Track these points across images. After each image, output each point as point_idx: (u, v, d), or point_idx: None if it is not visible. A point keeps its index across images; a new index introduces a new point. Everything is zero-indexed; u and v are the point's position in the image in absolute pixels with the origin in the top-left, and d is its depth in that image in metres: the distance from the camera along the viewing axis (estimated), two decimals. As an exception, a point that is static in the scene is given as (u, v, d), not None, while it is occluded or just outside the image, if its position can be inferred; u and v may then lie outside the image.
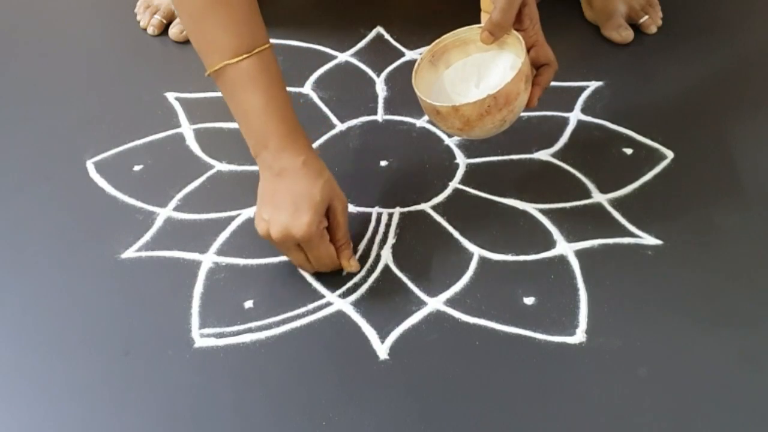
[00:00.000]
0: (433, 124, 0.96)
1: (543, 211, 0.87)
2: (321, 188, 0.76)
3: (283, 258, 0.82)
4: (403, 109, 1.01)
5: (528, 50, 0.80)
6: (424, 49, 0.85)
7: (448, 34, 0.85)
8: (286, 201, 0.75)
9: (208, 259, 0.83)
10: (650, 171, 0.91)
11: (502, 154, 0.94)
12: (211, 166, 0.94)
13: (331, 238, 0.78)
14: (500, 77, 0.77)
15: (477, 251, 0.83)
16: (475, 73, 0.84)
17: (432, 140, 0.97)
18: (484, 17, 0.81)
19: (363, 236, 0.85)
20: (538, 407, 0.69)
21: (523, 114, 0.99)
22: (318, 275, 0.80)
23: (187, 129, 1.00)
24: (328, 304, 0.78)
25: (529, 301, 0.77)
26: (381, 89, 1.04)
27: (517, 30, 0.80)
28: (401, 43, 1.12)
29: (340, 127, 0.99)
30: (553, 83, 1.03)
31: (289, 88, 1.04)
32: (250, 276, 0.81)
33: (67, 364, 0.73)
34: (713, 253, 0.81)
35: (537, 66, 0.82)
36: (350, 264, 0.79)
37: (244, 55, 0.74)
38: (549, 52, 0.82)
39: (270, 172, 0.77)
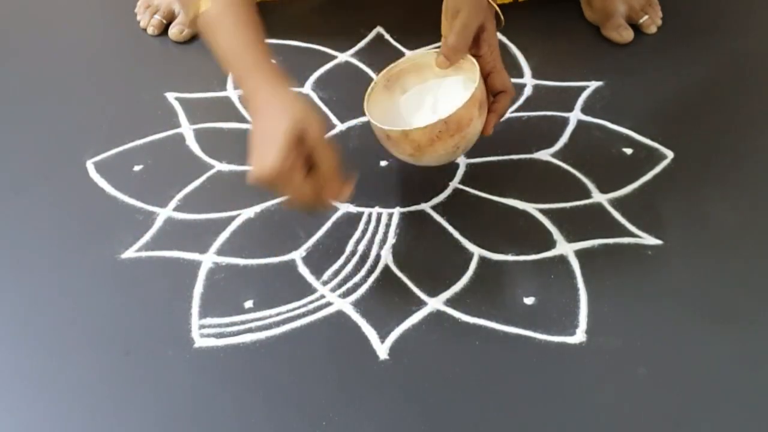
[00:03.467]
0: None
1: (543, 211, 0.87)
2: (286, 123, 0.69)
3: (283, 258, 0.82)
4: (403, 109, 1.01)
5: (486, 77, 0.80)
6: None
7: (403, 58, 0.85)
8: (255, 143, 0.72)
9: (208, 259, 0.83)
10: (650, 171, 0.91)
11: (502, 154, 0.94)
12: (211, 166, 0.94)
13: (318, 171, 0.72)
14: (456, 104, 0.76)
15: (477, 251, 0.83)
16: (432, 100, 0.84)
17: (432, 140, 0.97)
18: (443, 42, 0.81)
19: (363, 236, 0.85)
20: (538, 407, 0.69)
21: (523, 114, 0.99)
22: (317, 273, 0.80)
23: (187, 129, 1.00)
24: (328, 304, 0.78)
25: (529, 301, 0.77)
26: (381, 89, 1.04)
27: (475, 56, 0.80)
28: (401, 43, 1.12)
29: (340, 127, 0.99)
30: (553, 83, 1.04)
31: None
32: (250, 276, 0.81)
33: (67, 364, 0.73)
34: (713, 253, 0.81)
35: (494, 93, 0.82)
36: (341, 193, 0.74)
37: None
38: (506, 78, 0.82)
39: (250, 113, 0.76)
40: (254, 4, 0.77)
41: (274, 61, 0.76)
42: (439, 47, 0.82)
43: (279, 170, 0.69)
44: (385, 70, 0.85)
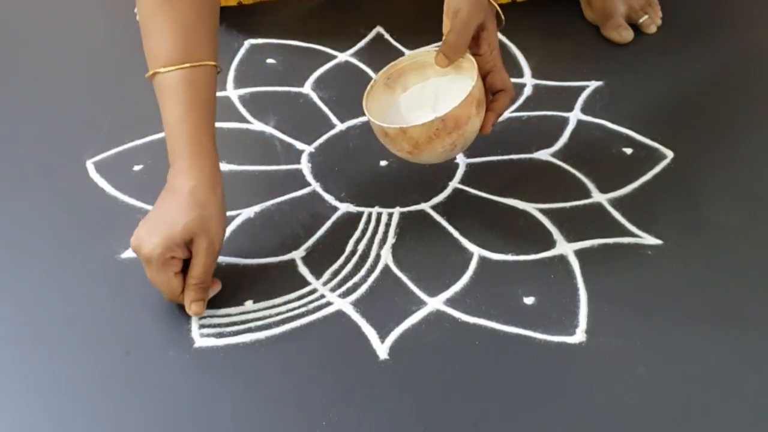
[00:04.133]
0: None
1: (543, 211, 0.87)
2: (189, 220, 0.72)
3: (283, 258, 0.82)
4: (403, 109, 1.01)
5: (485, 76, 0.80)
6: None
7: (404, 57, 0.85)
8: (153, 219, 0.74)
9: (208, 259, 0.83)
10: (650, 171, 0.91)
11: (502, 154, 0.94)
12: (211, 166, 0.94)
13: (188, 273, 0.74)
14: (455, 102, 0.77)
15: (477, 251, 0.83)
16: (432, 98, 0.84)
17: (432, 140, 0.97)
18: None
19: (363, 236, 0.85)
20: (538, 407, 0.69)
21: (523, 114, 0.99)
22: (317, 272, 0.80)
23: (187, 129, 0.99)
24: (328, 304, 0.78)
25: (529, 301, 0.77)
26: (381, 89, 1.04)
27: (474, 55, 0.80)
28: (401, 43, 1.12)
29: (340, 127, 0.99)
30: (553, 83, 1.04)
31: (289, 88, 1.06)
32: (250, 276, 0.81)
33: (67, 364, 0.73)
34: (713, 253, 0.81)
35: (493, 92, 0.82)
36: (191, 307, 0.75)
37: (173, 67, 0.74)
38: (506, 78, 0.82)
39: (166, 187, 0.76)
40: (214, 83, 0.77)
41: (214, 154, 0.76)
42: (439, 46, 0.82)
43: (157, 257, 0.72)
44: (385, 69, 0.85)
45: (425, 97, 0.85)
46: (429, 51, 0.84)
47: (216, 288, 0.78)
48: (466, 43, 0.79)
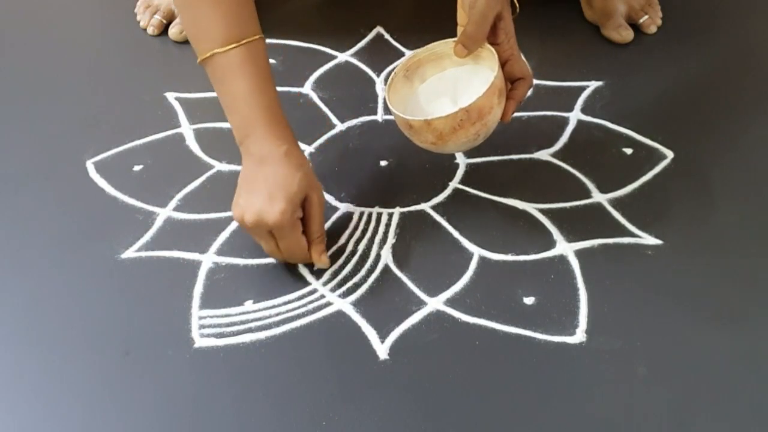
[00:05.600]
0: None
1: (543, 211, 0.87)
2: (299, 179, 0.76)
3: (283, 258, 0.82)
4: (403, 109, 1.01)
5: (503, 64, 0.80)
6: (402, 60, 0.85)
7: (422, 48, 0.86)
8: (262, 188, 0.76)
9: (208, 259, 0.83)
10: (650, 171, 0.91)
11: (502, 154, 0.94)
12: (211, 166, 0.94)
13: (306, 230, 0.79)
14: (475, 92, 0.77)
15: (477, 251, 0.83)
16: (451, 88, 0.84)
17: (432, 140, 0.97)
18: (460, 31, 0.81)
19: (363, 236, 0.85)
20: (538, 407, 0.69)
21: (523, 114, 0.99)
22: (317, 272, 0.80)
23: (187, 129, 1.00)
24: (328, 304, 0.78)
25: (529, 301, 0.77)
26: (381, 89, 1.04)
27: (492, 44, 0.80)
28: (401, 43, 1.12)
29: (340, 127, 0.99)
30: (553, 83, 1.04)
31: (289, 88, 1.06)
32: (250, 276, 0.81)
33: (67, 364, 0.73)
34: (713, 253, 0.81)
35: (512, 80, 0.82)
36: (321, 259, 0.80)
37: (233, 45, 0.76)
38: (524, 66, 0.83)
39: (251, 159, 0.78)
40: (267, 54, 0.79)
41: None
42: (455, 38, 0.82)
43: (288, 221, 0.75)
44: (403, 61, 0.85)
45: (444, 87, 0.85)
46: (446, 42, 0.84)
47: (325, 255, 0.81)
48: (485, 33, 0.79)
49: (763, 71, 1.07)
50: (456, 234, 0.85)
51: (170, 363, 0.73)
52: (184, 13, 0.80)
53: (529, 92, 1.02)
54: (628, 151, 0.94)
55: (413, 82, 0.86)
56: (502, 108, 0.80)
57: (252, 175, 0.78)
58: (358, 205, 0.88)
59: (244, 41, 0.76)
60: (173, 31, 1.15)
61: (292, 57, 1.11)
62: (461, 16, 0.81)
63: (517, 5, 0.83)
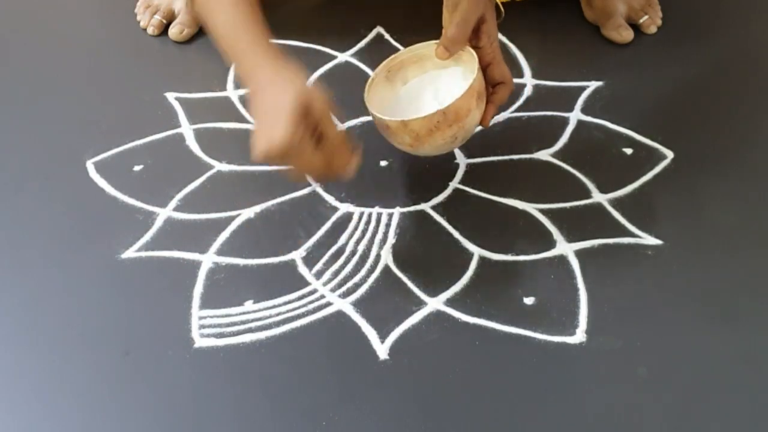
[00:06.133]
0: None
1: (543, 211, 0.87)
2: (292, 96, 0.71)
3: (283, 258, 0.82)
4: (403, 109, 1.01)
5: (485, 68, 0.80)
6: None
7: (404, 50, 0.86)
8: (262, 117, 0.74)
9: (208, 259, 0.83)
10: (650, 171, 0.91)
11: (502, 154, 0.94)
12: (211, 166, 0.94)
13: (323, 141, 0.74)
14: (455, 95, 0.77)
15: (477, 251, 0.83)
16: (432, 90, 0.84)
17: (432, 140, 0.97)
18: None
19: (363, 236, 0.85)
20: (538, 407, 0.69)
21: (523, 114, 0.99)
22: (317, 273, 0.80)
23: (187, 129, 1.00)
24: (328, 304, 0.78)
25: (529, 301, 0.77)
26: (380, 89, 1.04)
27: (474, 47, 0.80)
28: (401, 43, 1.12)
29: (340, 127, 0.99)
30: (553, 83, 1.04)
31: (289, 88, 1.05)
32: (250, 276, 0.81)
33: (67, 364, 0.73)
34: (713, 253, 0.81)
35: (493, 84, 0.82)
36: (347, 168, 0.76)
37: None
38: (505, 70, 0.82)
39: (250, 90, 0.76)
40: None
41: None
42: (439, 39, 0.82)
43: (290, 142, 0.70)
44: (385, 62, 0.85)
45: (425, 89, 0.85)
46: (428, 44, 0.84)
47: (359, 150, 0.78)
48: (467, 35, 0.79)
49: (763, 71, 1.07)
50: (456, 234, 0.85)
51: (170, 363, 0.73)
52: None
53: (529, 92, 1.03)
54: (628, 151, 0.94)
55: (395, 84, 0.86)
56: (482, 111, 0.80)
57: (254, 105, 0.75)
58: (358, 205, 0.88)
59: None
60: (173, 31, 1.15)
61: (292, 57, 1.11)
62: (446, 18, 0.81)
63: (502, 10, 0.83)
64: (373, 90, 0.83)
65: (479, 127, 0.83)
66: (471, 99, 0.77)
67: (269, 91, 0.73)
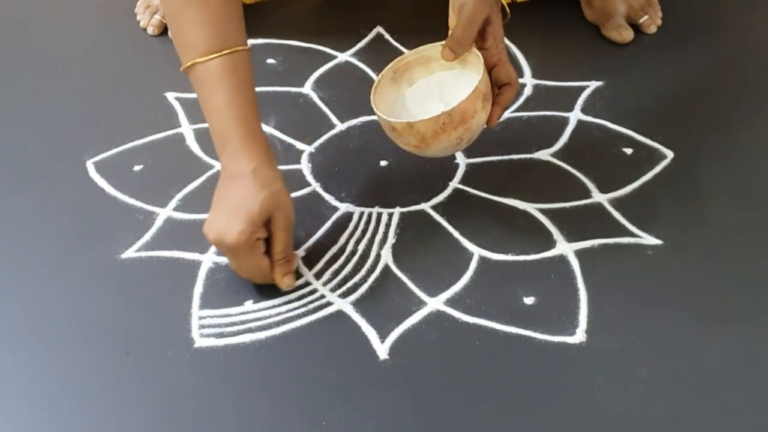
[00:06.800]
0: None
1: (543, 211, 0.87)
2: (263, 199, 0.73)
3: (283, 258, 0.82)
4: (403, 109, 1.01)
5: (490, 69, 0.80)
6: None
7: (410, 51, 0.86)
8: (226, 206, 0.75)
9: (208, 259, 0.83)
10: (650, 171, 0.91)
11: (502, 154, 0.94)
12: (211, 166, 0.94)
13: (269, 251, 0.76)
14: (461, 96, 0.77)
15: (477, 251, 0.83)
16: (438, 92, 0.84)
17: (432, 140, 0.97)
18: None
19: (363, 236, 0.85)
20: (538, 407, 0.69)
21: (523, 114, 0.99)
22: (317, 273, 0.80)
23: (187, 129, 1.00)
24: (328, 304, 0.78)
25: (529, 301, 0.77)
26: (380, 89, 1.04)
27: (480, 49, 0.80)
28: (401, 43, 1.12)
29: (340, 127, 0.99)
30: (553, 83, 1.04)
31: (289, 88, 1.06)
32: (250, 276, 0.81)
33: (67, 364, 0.73)
34: (713, 253, 0.81)
35: (499, 85, 0.82)
36: (283, 281, 0.77)
37: (213, 55, 0.75)
38: (511, 71, 0.82)
39: (224, 174, 0.77)
40: (251, 66, 0.78)
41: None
42: (445, 41, 0.82)
43: (245, 242, 0.73)
44: (392, 63, 0.85)
45: (431, 91, 0.85)
46: (435, 45, 0.84)
47: (297, 260, 0.80)
48: (472, 37, 0.79)
49: (763, 71, 1.07)
50: (456, 234, 0.85)
51: (170, 363, 0.73)
52: (171, 22, 0.80)
53: (529, 92, 1.03)
54: (628, 151, 0.94)
55: (401, 85, 0.86)
56: (487, 113, 0.80)
57: (221, 191, 0.77)
58: (358, 205, 0.88)
59: (226, 52, 0.75)
60: (173, 32, 1.15)
61: (292, 57, 1.11)
62: (452, 19, 0.81)
63: (508, 11, 0.83)
64: (379, 91, 0.83)
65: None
66: (477, 100, 0.77)
67: (240, 184, 0.75)
